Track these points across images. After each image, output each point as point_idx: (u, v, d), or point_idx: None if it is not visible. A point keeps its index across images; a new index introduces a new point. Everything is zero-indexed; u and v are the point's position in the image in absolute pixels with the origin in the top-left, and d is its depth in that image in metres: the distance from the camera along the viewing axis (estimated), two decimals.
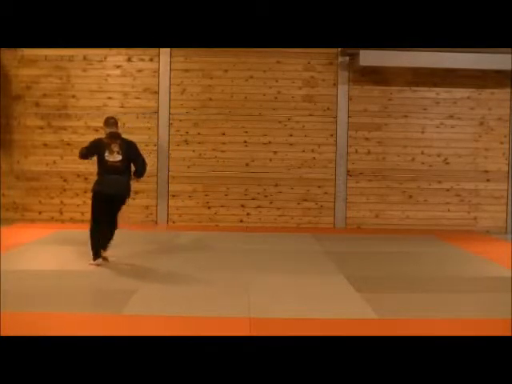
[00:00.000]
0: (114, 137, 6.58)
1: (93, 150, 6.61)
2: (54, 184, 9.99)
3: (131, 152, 6.64)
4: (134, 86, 10.00)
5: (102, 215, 6.52)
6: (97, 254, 6.47)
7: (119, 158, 6.49)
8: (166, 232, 9.26)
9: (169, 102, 9.99)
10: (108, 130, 6.71)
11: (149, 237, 8.53)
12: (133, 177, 6.75)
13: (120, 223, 6.87)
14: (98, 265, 6.42)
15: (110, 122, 6.78)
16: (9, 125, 9.96)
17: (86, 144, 6.85)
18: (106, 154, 6.46)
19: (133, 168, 6.74)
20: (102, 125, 9.72)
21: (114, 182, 6.50)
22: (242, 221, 10.09)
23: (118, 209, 6.73)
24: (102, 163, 6.51)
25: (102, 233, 6.53)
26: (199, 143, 10.06)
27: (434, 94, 10.12)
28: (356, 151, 10.11)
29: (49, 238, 8.34)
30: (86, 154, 6.65)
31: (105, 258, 6.60)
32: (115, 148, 6.47)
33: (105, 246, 6.64)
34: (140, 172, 6.77)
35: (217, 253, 7.53)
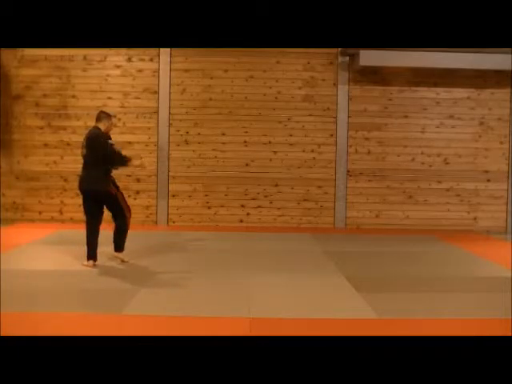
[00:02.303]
0: (89, 131, 6.63)
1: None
2: (54, 184, 9.99)
3: (93, 146, 6.43)
4: (134, 86, 10.00)
5: (94, 215, 6.51)
6: (93, 256, 6.43)
7: (84, 151, 6.52)
8: (166, 232, 9.25)
9: (169, 102, 9.99)
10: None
11: (149, 237, 8.53)
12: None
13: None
14: (90, 266, 6.36)
15: (99, 116, 6.70)
16: (9, 125, 9.96)
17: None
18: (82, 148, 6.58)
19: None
20: None
21: (85, 177, 6.52)
22: (241, 221, 10.09)
23: (109, 204, 6.55)
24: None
25: (97, 232, 6.51)
26: (199, 143, 10.06)
27: (433, 94, 10.12)
28: (356, 151, 10.11)
29: (49, 238, 8.34)
30: None
31: (123, 261, 6.64)
32: (84, 142, 6.55)
33: (118, 247, 6.65)
34: (108, 164, 6.50)
35: (217, 253, 7.52)
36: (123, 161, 6.58)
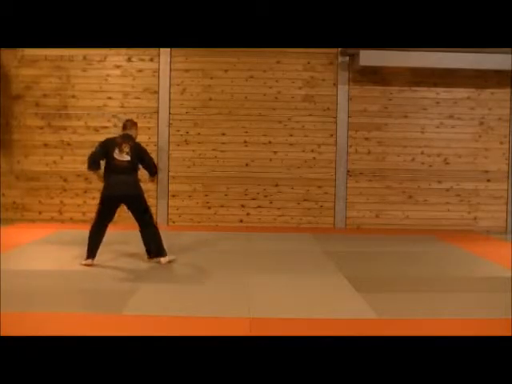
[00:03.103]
0: (127, 138, 6.64)
1: (104, 148, 6.58)
2: (54, 184, 9.99)
3: (139, 153, 6.64)
4: (134, 86, 9.99)
5: (108, 219, 6.57)
6: (91, 254, 6.46)
7: (127, 158, 6.51)
8: (166, 232, 9.24)
9: (169, 102, 9.99)
10: (122, 132, 6.79)
11: None
12: (147, 178, 6.87)
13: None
14: (88, 265, 6.39)
15: (126, 124, 6.83)
16: (9, 125, 9.96)
17: (93, 149, 6.75)
18: (116, 152, 6.49)
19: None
20: (102, 125, 9.94)
21: (122, 182, 6.49)
22: (241, 221, 10.09)
23: (140, 209, 6.63)
24: (109, 162, 6.52)
25: (102, 235, 6.55)
26: (199, 143, 10.06)
27: (434, 94, 10.11)
28: (356, 151, 10.11)
29: (49, 238, 8.34)
30: (98, 154, 6.59)
31: (166, 261, 6.63)
32: (126, 148, 6.51)
33: (161, 252, 6.64)
34: (151, 171, 6.80)
35: (217, 253, 7.52)
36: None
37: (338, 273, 6.35)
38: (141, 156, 6.65)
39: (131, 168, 6.54)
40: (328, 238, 9.00)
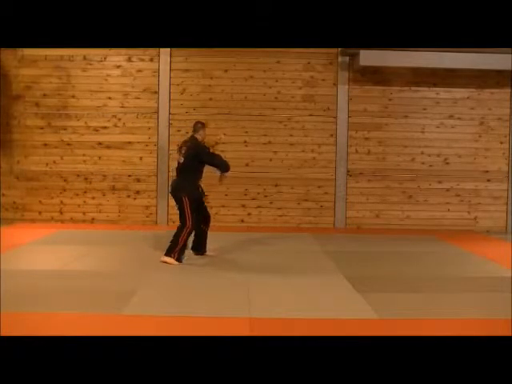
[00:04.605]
0: (188, 139, 6.97)
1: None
2: (53, 184, 9.99)
3: (194, 154, 6.75)
4: (134, 86, 9.99)
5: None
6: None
7: (181, 160, 6.84)
8: (166, 232, 9.24)
9: (169, 102, 9.99)
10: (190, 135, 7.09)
11: (149, 237, 8.52)
12: (220, 175, 6.99)
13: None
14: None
15: (194, 126, 7.01)
16: (9, 125, 9.96)
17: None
18: (179, 154, 6.99)
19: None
20: (102, 125, 9.97)
21: (172, 183, 7.03)
22: (242, 221, 10.09)
23: (179, 208, 6.78)
24: None
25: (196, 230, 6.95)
26: None
27: (433, 93, 10.12)
28: (356, 151, 10.11)
29: (49, 238, 8.34)
30: None
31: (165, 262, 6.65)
32: (183, 150, 6.88)
33: (166, 250, 6.68)
34: (219, 168, 6.90)
35: (216, 252, 7.51)
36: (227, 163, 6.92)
37: (337, 273, 6.35)
38: (196, 156, 6.75)
39: (182, 169, 6.84)
40: (328, 237, 9.00)
